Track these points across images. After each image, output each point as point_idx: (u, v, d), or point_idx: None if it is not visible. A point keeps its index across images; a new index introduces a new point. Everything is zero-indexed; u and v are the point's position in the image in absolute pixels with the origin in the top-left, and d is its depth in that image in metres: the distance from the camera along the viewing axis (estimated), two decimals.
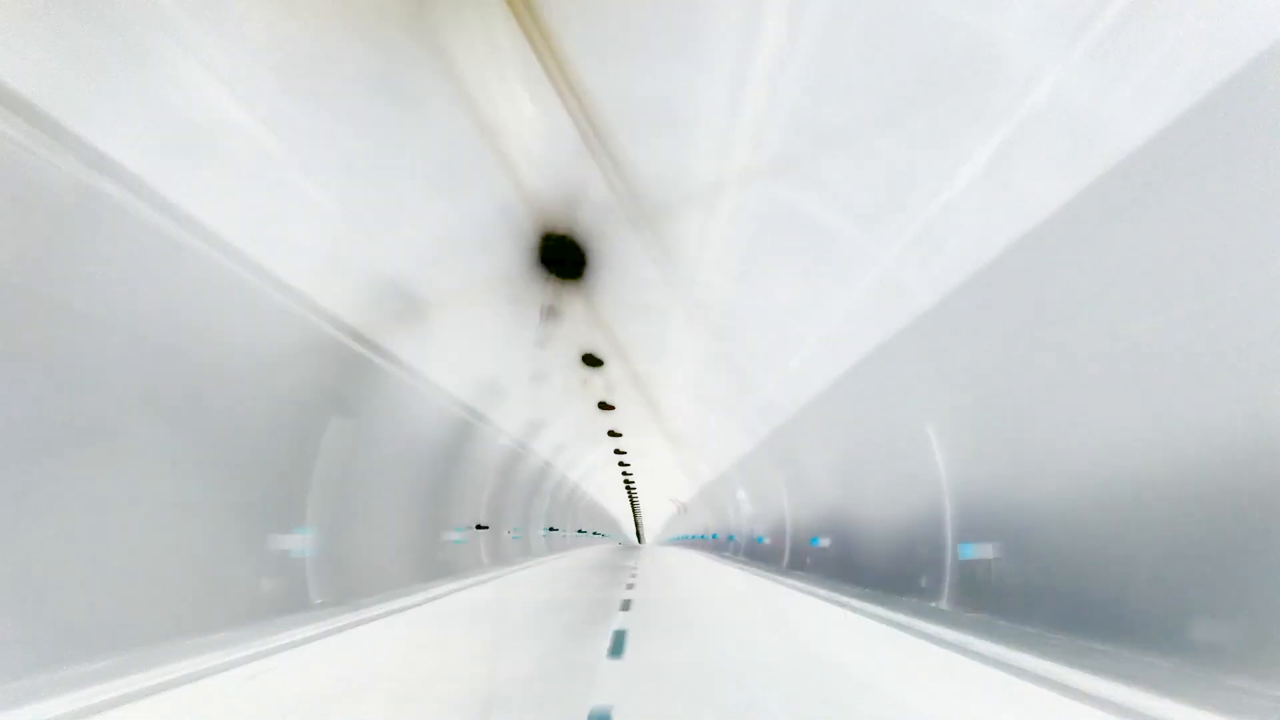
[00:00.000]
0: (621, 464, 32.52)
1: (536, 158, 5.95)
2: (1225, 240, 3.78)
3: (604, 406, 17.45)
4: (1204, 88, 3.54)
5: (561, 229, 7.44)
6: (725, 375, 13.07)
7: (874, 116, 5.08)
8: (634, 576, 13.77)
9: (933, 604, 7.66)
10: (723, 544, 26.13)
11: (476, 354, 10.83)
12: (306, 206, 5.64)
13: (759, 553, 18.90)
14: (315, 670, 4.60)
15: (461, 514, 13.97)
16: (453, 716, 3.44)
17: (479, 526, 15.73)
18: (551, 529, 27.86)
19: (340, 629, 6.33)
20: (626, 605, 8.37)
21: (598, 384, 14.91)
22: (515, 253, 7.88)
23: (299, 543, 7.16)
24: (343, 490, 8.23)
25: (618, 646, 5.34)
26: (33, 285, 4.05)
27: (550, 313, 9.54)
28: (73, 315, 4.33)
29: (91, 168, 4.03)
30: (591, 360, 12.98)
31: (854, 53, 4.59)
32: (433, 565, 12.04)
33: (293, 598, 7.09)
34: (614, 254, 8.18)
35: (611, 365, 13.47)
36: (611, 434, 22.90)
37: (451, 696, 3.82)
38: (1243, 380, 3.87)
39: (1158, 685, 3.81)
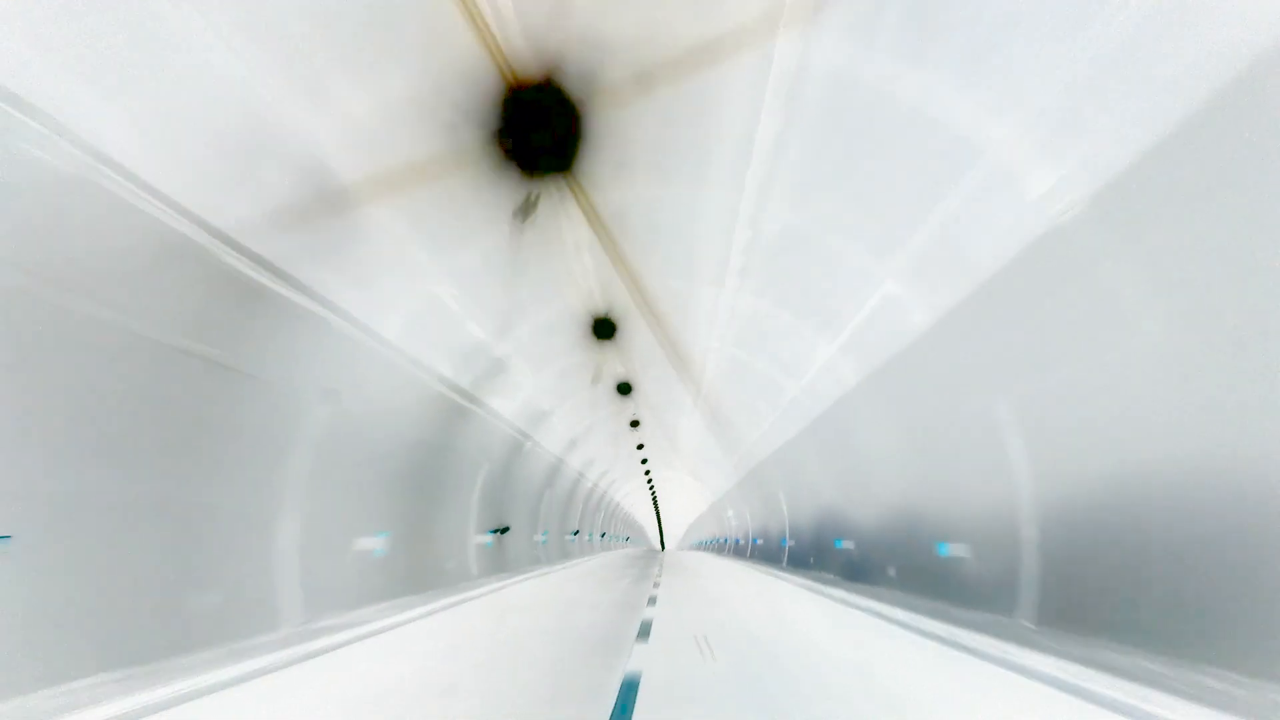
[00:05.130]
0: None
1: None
2: None
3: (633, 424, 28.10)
4: None
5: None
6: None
7: None
8: (661, 565, 25.67)
9: (779, 565, 19.36)
10: (721, 546, 37.84)
11: (591, 442, 22.74)
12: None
13: (736, 550, 30.69)
14: (568, 574, 16.59)
15: (569, 525, 26.05)
16: (608, 583, 15.41)
17: (574, 532, 27.75)
18: (602, 534, 39.87)
19: (556, 569, 18.31)
20: (661, 567, 20.29)
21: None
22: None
23: (540, 539, 19.19)
24: (541, 517, 20.21)
25: (658, 583, 17.23)
26: None
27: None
28: None
29: None
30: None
31: None
32: (565, 552, 24.16)
33: (537, 561, 19.07)
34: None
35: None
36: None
37: (613, 573, 15.76)
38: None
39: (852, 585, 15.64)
